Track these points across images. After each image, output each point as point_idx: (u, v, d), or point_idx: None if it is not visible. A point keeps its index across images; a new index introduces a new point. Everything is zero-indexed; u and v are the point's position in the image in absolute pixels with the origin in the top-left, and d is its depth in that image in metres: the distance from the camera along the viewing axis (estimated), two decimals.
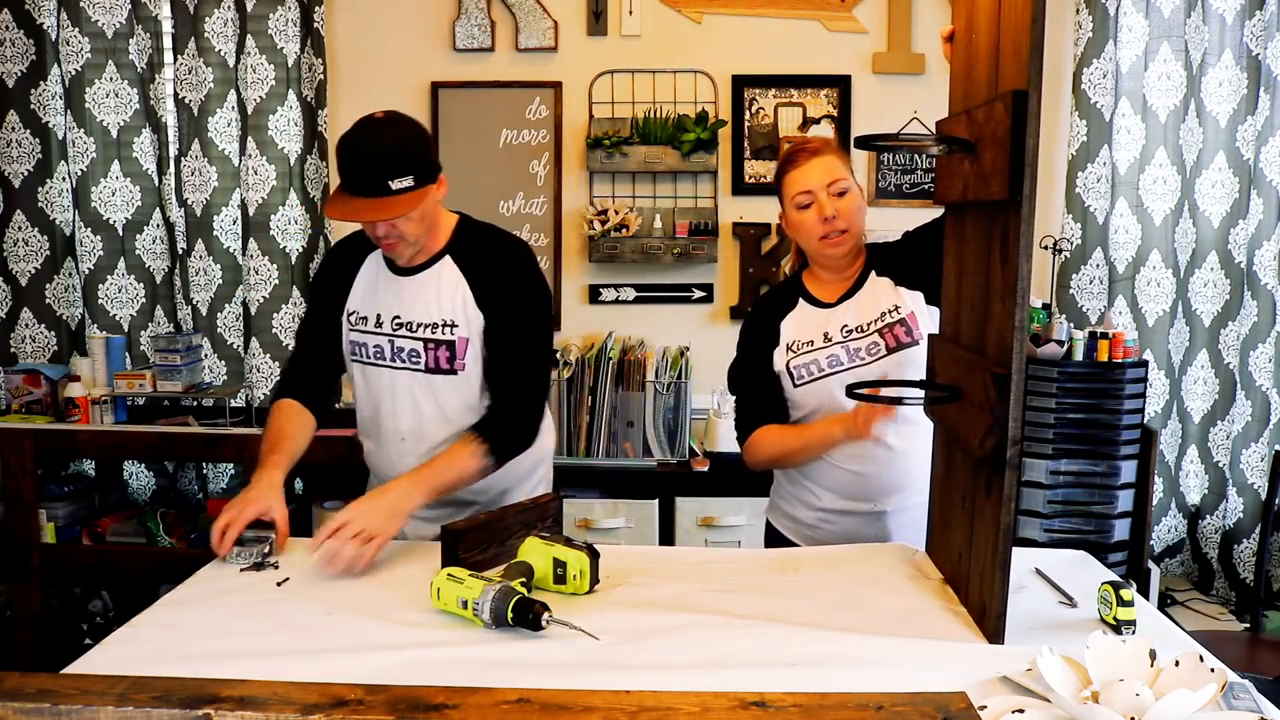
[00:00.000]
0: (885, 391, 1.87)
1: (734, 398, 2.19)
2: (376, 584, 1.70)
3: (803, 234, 2.03)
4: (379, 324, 2.01)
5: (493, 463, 1.92)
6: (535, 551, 1.66)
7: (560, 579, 1.64)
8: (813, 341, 2.04)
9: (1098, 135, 3.31)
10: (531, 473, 2.14)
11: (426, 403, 2.01)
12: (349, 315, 2.05)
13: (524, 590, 1.54)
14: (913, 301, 2.02)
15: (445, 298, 1.97)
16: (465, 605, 1.51)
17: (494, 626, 1.49)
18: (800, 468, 2.09)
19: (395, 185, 1.82)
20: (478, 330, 1.97)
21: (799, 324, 2.07)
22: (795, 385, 2.04)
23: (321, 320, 2.09)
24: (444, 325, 1.97)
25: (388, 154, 1.82)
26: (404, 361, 2.00)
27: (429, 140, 1.92)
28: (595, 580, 1.65)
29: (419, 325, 1.98)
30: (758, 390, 2.10)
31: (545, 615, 1.46)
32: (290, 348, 3.51)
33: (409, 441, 2.02)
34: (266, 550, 1.81)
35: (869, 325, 2.02)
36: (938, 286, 1.88)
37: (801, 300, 2.10)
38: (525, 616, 1.46)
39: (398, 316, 2.00)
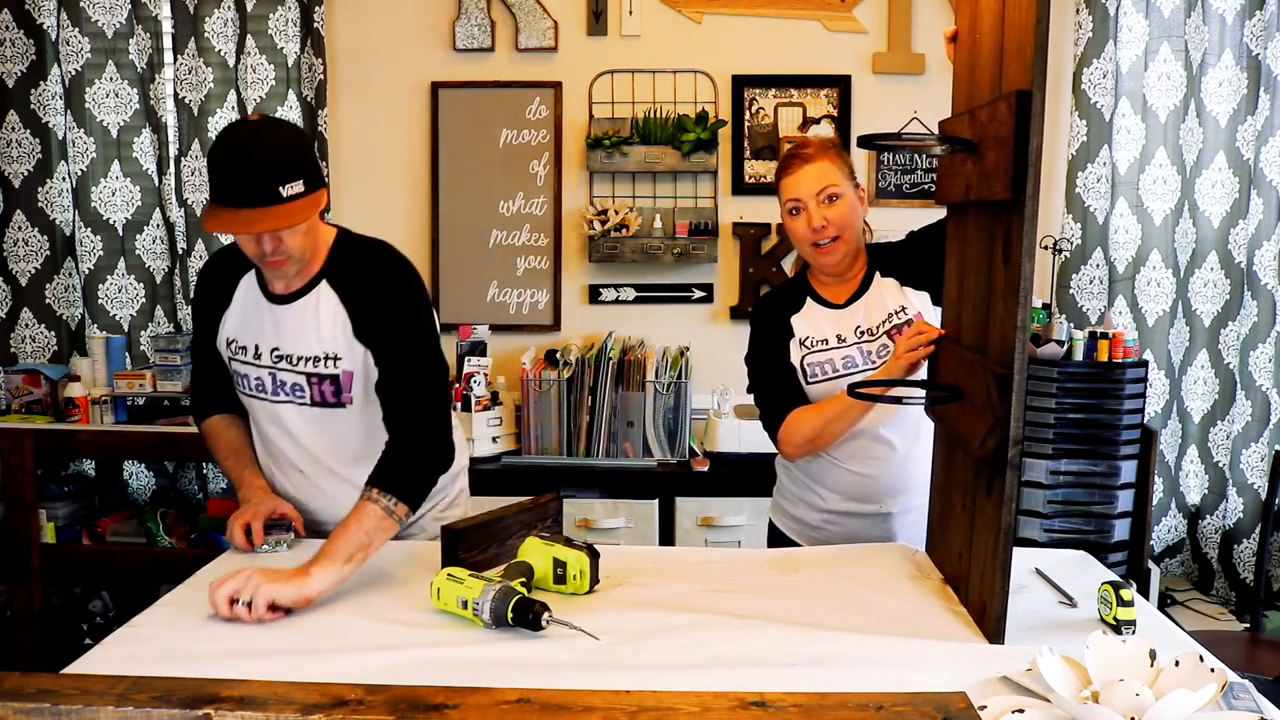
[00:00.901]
0: (886, 391, 1.86)
1: (754, 396, 2.11)
2: (376, 584, 1.70)
3: (795, 240, 2.04)
4: (258, 355, 1.87)
5: (407, 509, 1.72)
6: (535, 551, 1.66)
7: (560, 579, 1.64)
8: (827, 341, 2.03)
9: (1098, 135, 3.31)
10: (439, 498, 2.03)
11: (319, 436, 1.88)
12: (228, 343, 1.90)
13: (524, 590, 1.54)
14: (919, 302, 2.01)
15: (325, 329, 1.82)
16: (465, 605, 1.51)
17: (494, 626, 1.49)
18: (805, 468, 2.09)
19: (286, 191, 1.65)
20: (362, 362, 1.83)
21: (811, 322, 2.05)
22: (808, 383, 2.03)
23: (207, 343, 1.95)
24: (326, 359, 1.82)
25: (277, 157, 1.65)
26: (288, 395, 1.86)
27: (312, 144, 1.78)
28: (595, 580, 1.65)
29: (300, 359, 1.83)
30: (780, 380, 2.05)
31: (545, 615, 1.46)
32: None
33: (309, 473, 1.92)
34: (293, 537, 1.89)
35: (878, 327, 2.01)
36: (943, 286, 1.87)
37: (810, 300, 2.08)
38: (525, 616, 1.46)
39: (277, 349, 1.85)
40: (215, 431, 2.01)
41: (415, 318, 1.83)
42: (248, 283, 1.89)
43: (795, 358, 2.04)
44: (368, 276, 1.83)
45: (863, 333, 2.02)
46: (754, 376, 2.12)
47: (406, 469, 1.75)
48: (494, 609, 1.48)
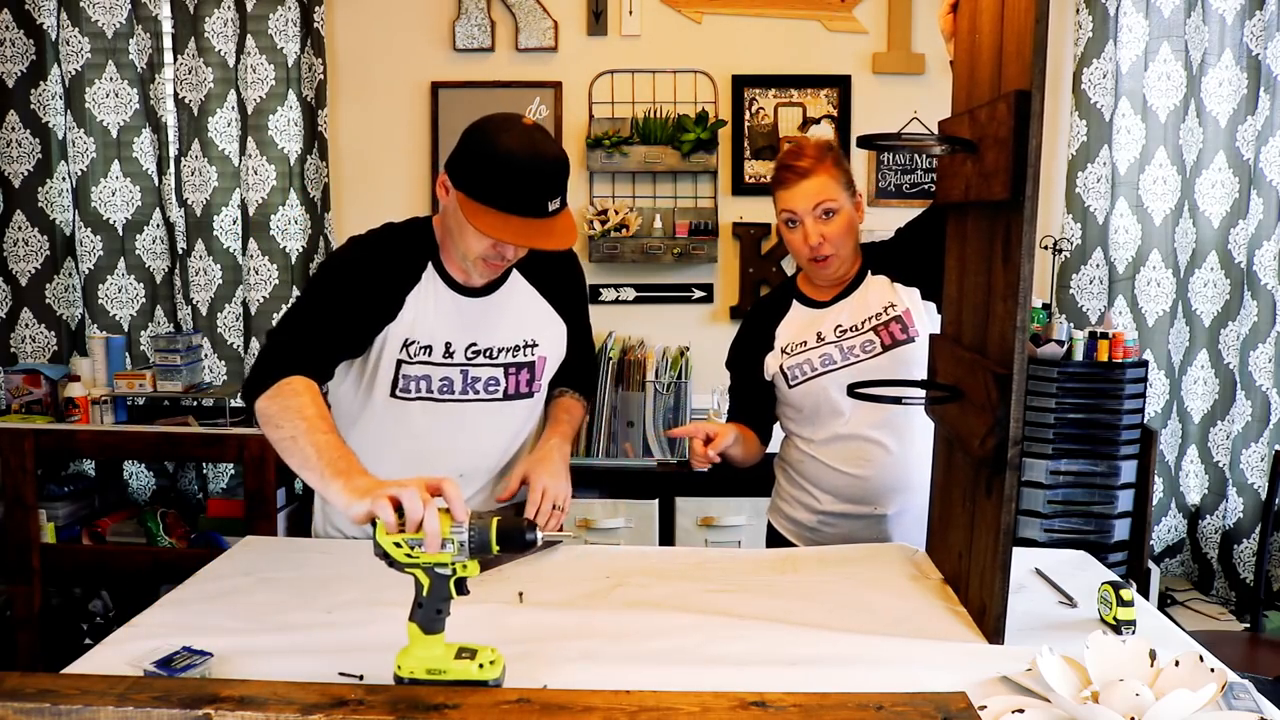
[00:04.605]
0: (886, 391, 1.86)
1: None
2: (376, 583, 1.70)
3: (792, 252, 2.06)
4: (449, 353, 1.80)
5: (588, 406, 2.07)
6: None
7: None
8: (805, 342, 2.04)
9: (1098, 135, 3.31)
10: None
11: (496, 433, 1.88)
12: (405, 346, 1.77)
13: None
14: (909, 298, 2.02)
15: (526, 316, 1.86)
16: (443, 545, 1.25)
17: (475, 554, 1.27)
18: (800, 470, 2.10)
19: (552, 206, 1.65)
20: (556, 344, 1.91)
21: (793, 328, 2.08)
22: (790, 386, 2.04)
23: (345, 317, 1.73)
24: (525, 346, 1.86)
25: (560, 172, 1.65)
26: (478, 392, 1.83)
27: None
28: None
29: (499, 350, 1.83)
30: (738, 391, 2.18)
31: (532, 533, 1.27)
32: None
33: (466, 479, 1.83)
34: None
35: (864, 323, 2.02)
36: (934, 281, 1.88)
37: (795, 302, 2.10)
38: (513, 538, 1.27)
39: (474, 344, 1.81)
40: (299, 392, 1.58)
41: (586, 293, 2.06)
42: (430, 280, 1.80)
43: (774, 368, 2.07)
44: (551, 262, 1.91)
45: (843, 330, 2.02)
46: (730, 379, 2.23)
47: (591, 383, 2.11)
48: (475, 538, 1.26)
